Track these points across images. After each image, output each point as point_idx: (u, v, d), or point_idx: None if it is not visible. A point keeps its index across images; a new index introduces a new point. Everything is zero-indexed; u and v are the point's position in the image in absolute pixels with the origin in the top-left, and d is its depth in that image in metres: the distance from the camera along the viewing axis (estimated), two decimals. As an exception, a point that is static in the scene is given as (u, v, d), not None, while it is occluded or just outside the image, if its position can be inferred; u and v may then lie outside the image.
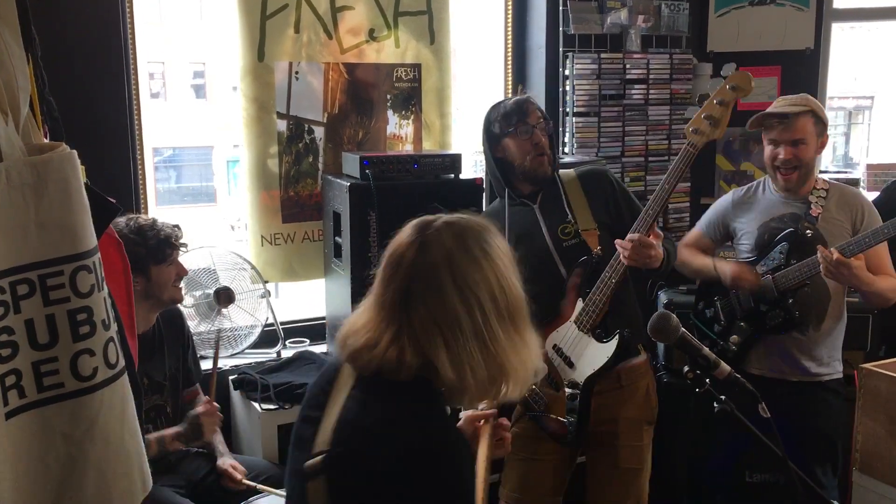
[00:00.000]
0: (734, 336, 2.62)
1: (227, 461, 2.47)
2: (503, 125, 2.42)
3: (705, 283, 2.79)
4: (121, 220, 2.33)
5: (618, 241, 2.27)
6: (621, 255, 2.26)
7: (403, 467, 1.27)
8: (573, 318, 2.37)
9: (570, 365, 2.36)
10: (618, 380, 2.40)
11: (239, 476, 2.42)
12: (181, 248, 2.48)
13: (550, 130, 2.45)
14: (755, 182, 2.80)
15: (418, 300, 1.33)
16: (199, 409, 2.46)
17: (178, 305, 2.60)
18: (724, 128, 2.21)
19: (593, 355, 2.33)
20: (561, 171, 2.51)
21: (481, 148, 2.54)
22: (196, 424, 2.43)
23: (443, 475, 1.30)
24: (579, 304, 2.37)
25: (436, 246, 1.34)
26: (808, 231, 2.52)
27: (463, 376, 1.31)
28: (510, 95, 2.63)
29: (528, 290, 2.44)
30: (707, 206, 2.95)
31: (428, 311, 1.32)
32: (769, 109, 2.61)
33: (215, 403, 2.49)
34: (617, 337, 2.30)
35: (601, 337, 2.34)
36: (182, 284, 2.53)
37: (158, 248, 2.37)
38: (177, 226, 2.48)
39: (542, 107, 3.38)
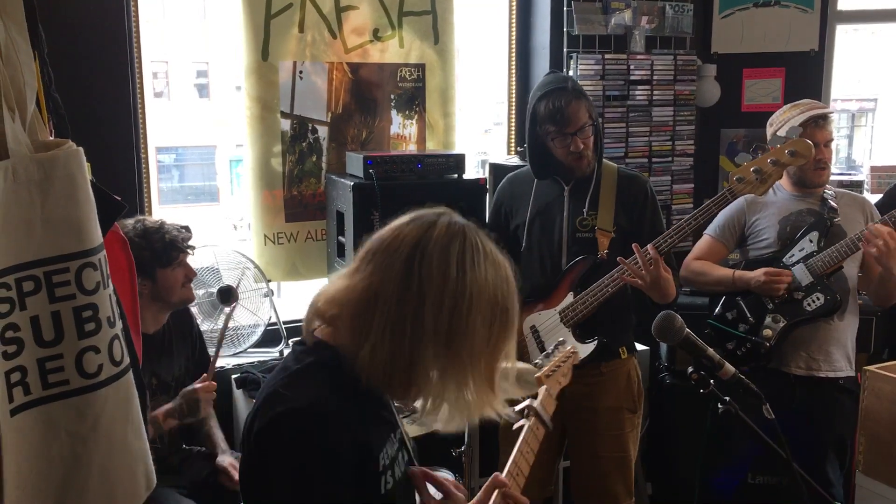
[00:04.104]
0: (767, 330, 2.63)
1: (227, 459, 2.45)
2: (543, 125, 2.38)
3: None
4: (129, 222, 2.31)
5: (635, 246, 2.26)
6: (628, 267, 2.24)
7: (257, 444, 1.21)
8: (559, 308, 2.39)
9: (542, 350, 2.38)
10: (598, 367, 2.41)
11: (237, 476, 2.41)
12: (189, 251, 2.44)
13: (595, 127, 2.40)
14: None
15: (375, 260, 1.23)
16: (196, 384, 2.39)
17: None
18: (769, 187, 2.28)
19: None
20: (605, 160, 2.50)
21: (482, 151, 2.54)
22: (193, 400, 2.35)
23: (284, 457, 1.18)
24: (569, 298, 2.38)
25: (425, 225, 1.24)
26: (836, 219, 2.63)
27: (359, 348, 1.19)
28: (555, 77, 2.48)
29: (527, 260, 2.35)
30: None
31: (373, 272, 1.22)
32: (809, 113, 2.64)
33: (213, 382, 2.42)
34: (596, 342, 2.31)
35: (581, 337, 2.35)
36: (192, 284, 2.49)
37: (164, 251, 2.34)
38: (185, 227, 2.45)
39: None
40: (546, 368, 1.69)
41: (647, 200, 2.47)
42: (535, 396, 1.57)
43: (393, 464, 1.32)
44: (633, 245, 2.27)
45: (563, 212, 2.44)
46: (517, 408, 1.59)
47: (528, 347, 2.43)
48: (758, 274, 2.60)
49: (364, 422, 1.24)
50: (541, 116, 2.37)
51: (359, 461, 1.22)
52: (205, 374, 2.45)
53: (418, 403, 1.27)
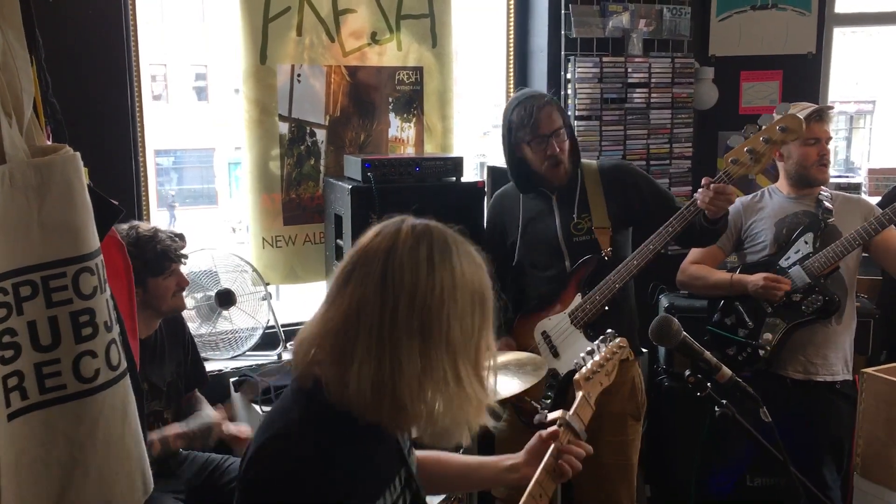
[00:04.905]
0: (767, 334, 2.63)
1: (230, 427, 2.54)
2: (519, 132, 2.42)
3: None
4: (122, 228, 2.31)
5: (700, 191, 2.26)
6: (699, 201, 2.26)
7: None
8: (568, 311, 2.39)
9: (556, 355, 2.39)
10: None
11: (245, 435, 2.51)
12: (181, 261, 2.44)
13: (570, 134, 2.44)
14: (758, 191, 2.86)
15: (352, 280, 1.23)
16: (216, 417, 2.50)
17: None
18: (764, 165, 2.27)
19: (580, 352, 2.34)
20: (584, 161, 2.52)
21: (481, 154, 2.55)
22: (208, 430, 2.45)
23: None
24: (577, 299, 2.38)
25: (392, 234, 1.24)
26: (830, 220, 2.64)
27: (346, 374, 1.18)
28: (528, 90, 2.59)
29: (529, 274, 2.42)
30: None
31: (352, 292, 1.21)
32: (811, 108, 2.65)
33: (230, 423, 2.57)
34: None
35: (592, 338, 2.35)
36: (184, 293, 2.50)
37: (156, 261, 2.34)
38: (179, 235, 2.44)
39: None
40: (586, 370, 1.52)
41: (637, 179, 2.49)
42: (567, 405, 1.44)
43: None
44: (698, 193, 2.27)
45: (556, 220, 2.45)
46: (549, 416, 1.48)
47: (540, 354, 2.43)
48: (756, 279, 2.61)
49: (358, 470, 1.21)
50: (515, 124, 2.42)
51: None
52: (223, 408, 2.61)
53: (414, 425, 1.25)
